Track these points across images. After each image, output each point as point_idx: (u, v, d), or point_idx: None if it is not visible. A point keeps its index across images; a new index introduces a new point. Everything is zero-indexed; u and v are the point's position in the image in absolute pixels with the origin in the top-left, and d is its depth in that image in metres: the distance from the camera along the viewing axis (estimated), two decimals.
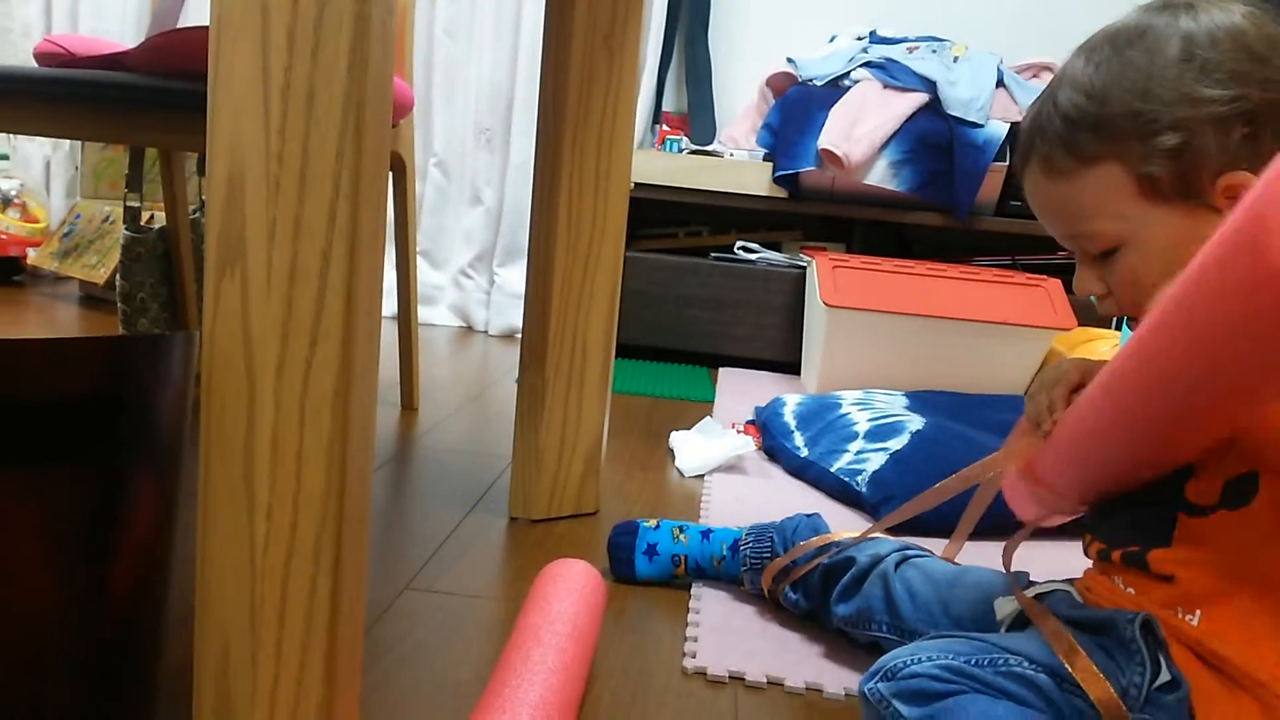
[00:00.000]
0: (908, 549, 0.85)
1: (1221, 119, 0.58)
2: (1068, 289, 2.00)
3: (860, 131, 2.13)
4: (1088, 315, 1.99)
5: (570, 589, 0.76)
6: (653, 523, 0.99)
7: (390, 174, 1.54)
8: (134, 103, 1.13)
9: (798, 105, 2.23)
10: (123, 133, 1.22)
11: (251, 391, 0.41)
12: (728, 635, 0.87)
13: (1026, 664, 0.60)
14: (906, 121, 2.15)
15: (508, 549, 1.06)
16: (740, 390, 2.04)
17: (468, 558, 1.01)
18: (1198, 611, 0.59)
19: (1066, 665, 0.59)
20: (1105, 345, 1.93)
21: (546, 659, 0.63)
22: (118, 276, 1.59)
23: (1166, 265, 0.61)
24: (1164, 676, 0.57)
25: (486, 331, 2.58)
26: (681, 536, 0.98)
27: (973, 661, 0.62)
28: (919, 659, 0.63)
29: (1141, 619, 0.58)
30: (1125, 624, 0.58)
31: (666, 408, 1.84)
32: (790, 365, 2.27)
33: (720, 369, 2.28)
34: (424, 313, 2.65)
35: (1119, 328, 1.94)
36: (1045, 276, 2.01)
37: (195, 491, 0.52)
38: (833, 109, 2.17)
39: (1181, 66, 0.60)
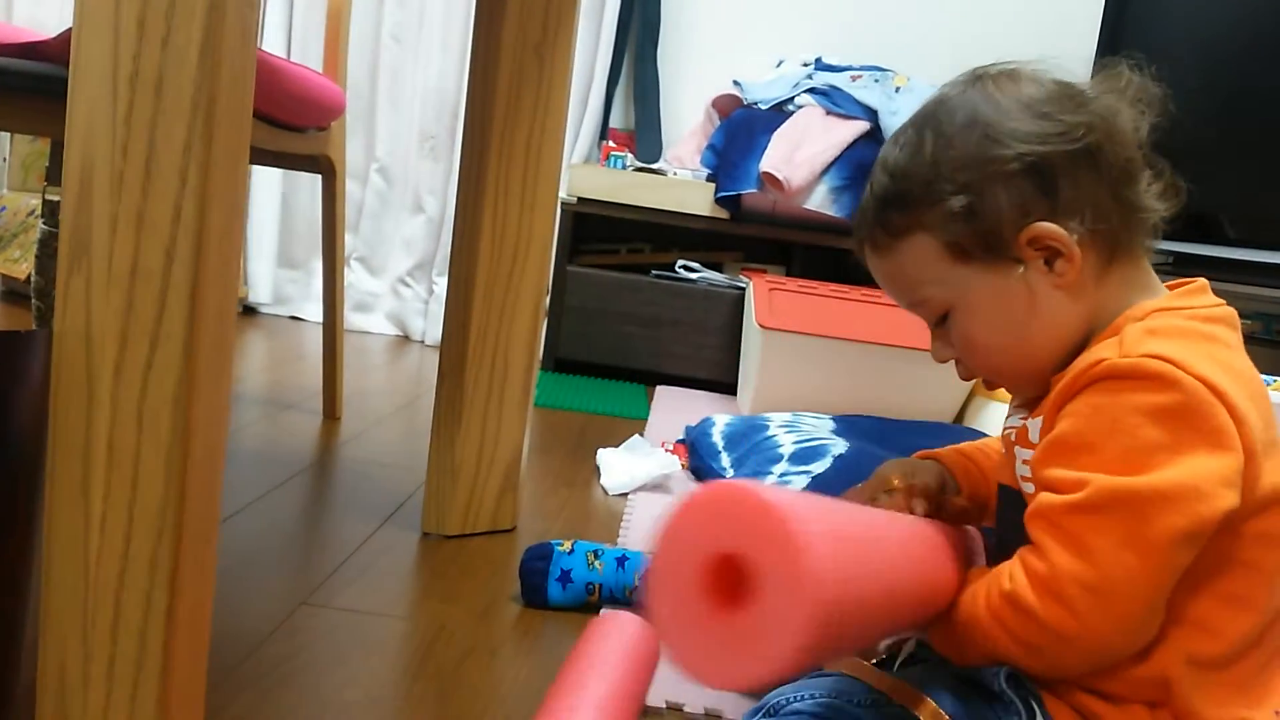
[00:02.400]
0: None
1: (1009, 176, 0.61)
2: None
3: (801, 156, 2.14)
4: None
5: (621, 646, 0.72)
6: (567, 545, 0.96)
7: (320, 176, 1.51)
8: (47, 93, 1.09)
9: (742, 128, 2.24)
10: (35, 124, 1.18)
11: (90, 393, 0.38)
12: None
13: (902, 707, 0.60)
14: (847, 149, 2.17)
15: (416, 565, 1.04)
16: (675, 409, 2.03)
17: (372, 573, 0.98)
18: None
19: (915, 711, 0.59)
20: None
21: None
22: (33, 272, 1.53)
23: (993, 323, 0.64)
24: None
25: (423, 341, 2.54)
26: (597, 563, 0.95)
27: (854, 701, 0.62)
28: (801, 696, 0.63)
29: (1006, 671, 0.58)
30: (992, 676, 0.58)
31: (599, 424, 1.82)
32: (728, 385, 2.27)
33: (657, 387, 2.28)
34: (360, 320, 2.61)
35: None
36: None
37: None
38: (775, 133, 2.18)
39: (966, 133, 0.62)
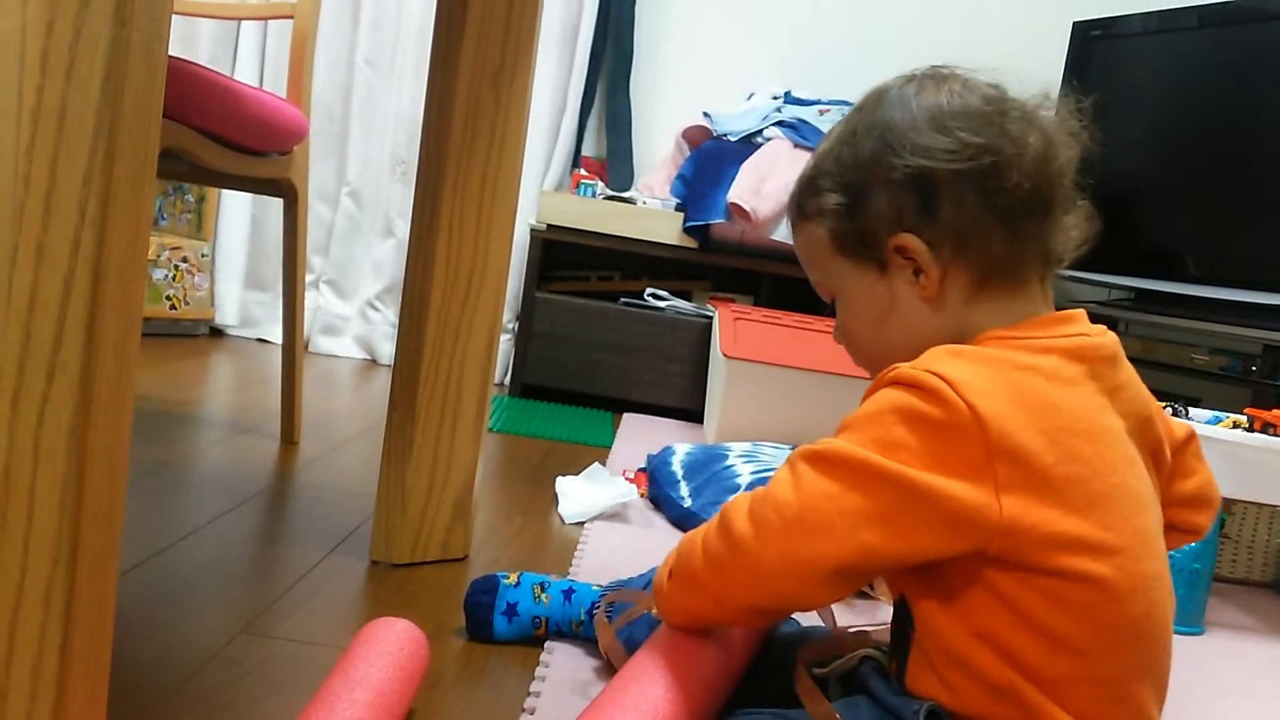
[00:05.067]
0: None
1: (893, 183, 0.63)
2: None
3: (769, 188, 2.17)
4: None
5: (384, 652, 0.73)
6: (513, 578, 0.95)
7: (281, 200, 1.51)
8: None
9: (711, 159, 2.27)
10: None
11: None
12: (573, 692, 0.84)
13: None
14: None
15: (361, 594, 1.03)
16: (640, 437, 2.03)
17: (316, 602, 0.97)
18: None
19: None
20: None
21: None
22: None
23: (860, 316, 0.68)
24: None
25: (390, 365, 2.53)
26: (543, 596, 0.94)
27: None
28: None
29: (927, 709, 0.58)
30: (912, 714, 0.58)
31: (562, 451, 1.82)
32: (695, 414, 2.28)
33: (624, 415, 2.28)
34: (327, 343, 2.60)
35: None
36: None
37: None
38: (744, 164, 2.20)
39: (867, 135, 0.65)
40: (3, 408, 0.38)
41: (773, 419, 1.92)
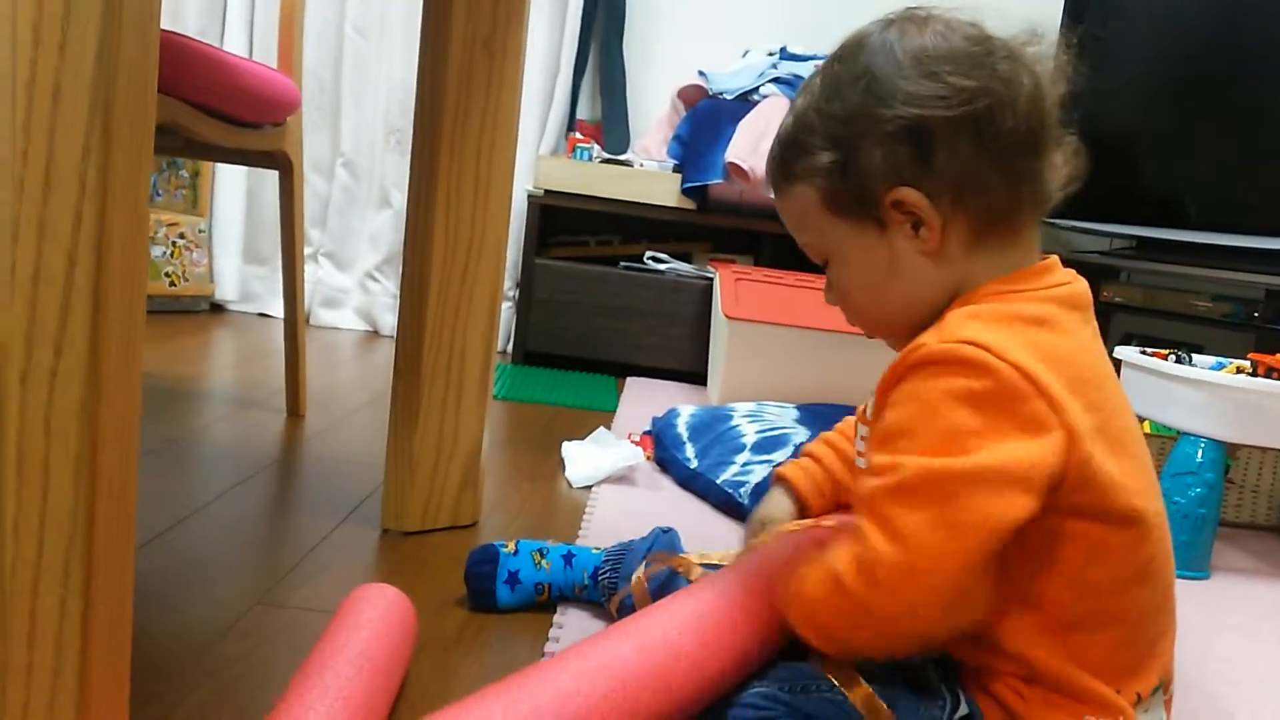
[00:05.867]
0: None
1: (885, 136, 0.60)
2: None
3: (767, 146, 2.14)
4: None
5: (370, 619, 0.73)
6: (511, 546, 0.95)
7: (276, 173, 1.50)
8: None
9: (708, 118, 2.25)
10: None
11: (1, 402, 0.38)
12: None
13: (840, 691, 0.61)
14: None
15: (374, 562, 1.04)
16: (644, 400, 2.03)
17: (329, 571, 0.98)
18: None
19: (845, 693, 0.60)
20: None
21: (325, 698, 0.60)
22: None
23: (859, 277, 0.65)
24: (962, 710, 0.58)
25: (393, 336, 2.53)
26: (544, 562, 0.95)
27: (788, 688, 0.63)
28: (739, 687, 0.63)
29: (936, 657, 0.59)
30: (921, 662, 0.59)
31: (567, 417, 1.83)
32: (698, 376, 2.28)
33: (627, 379, 2.28)
34: (328, 316, 2.60)
35: None
36: None
37: None
38: (741, 123, 2.18)
39: (854, 85, 0.61)
40: (12, 385, 0.38)
41: (776, 379, 1.92)
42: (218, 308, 2.61)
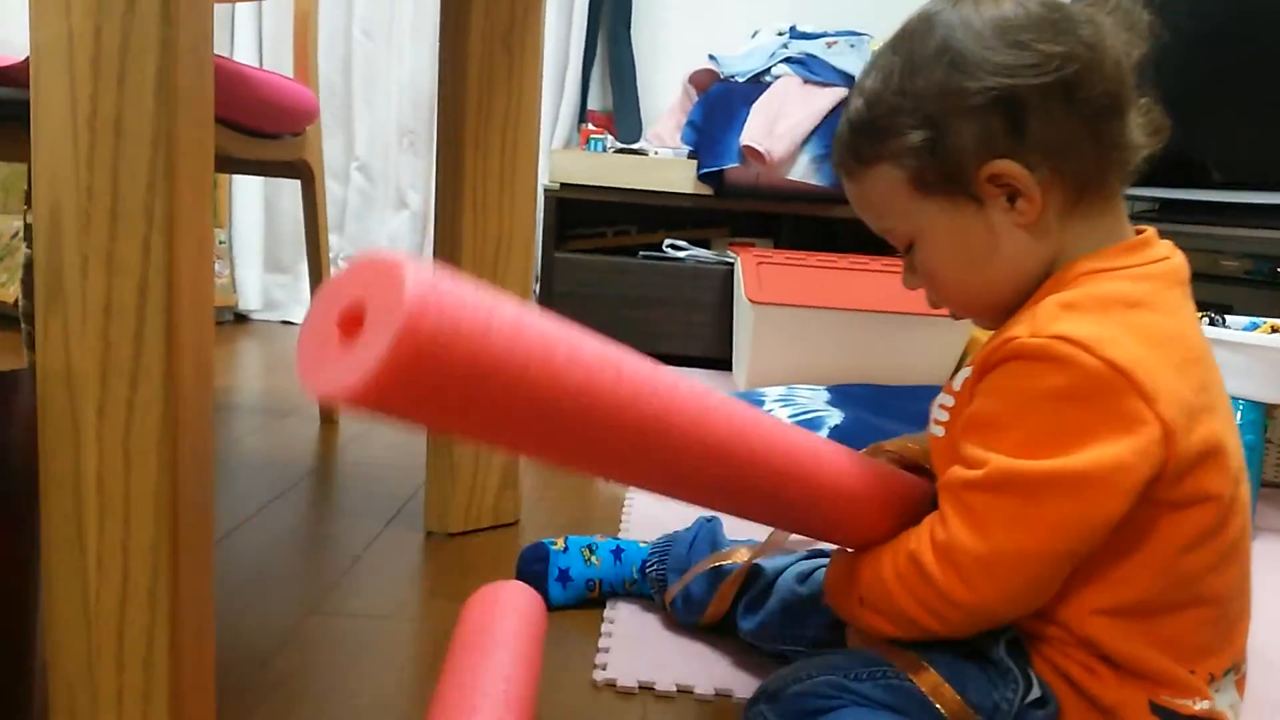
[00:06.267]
0: (819, 556, 0.84)
1: (975, 109, 0.59)
2: None
3: (782, 128, 2.14)
4: None
5: (506, 612, 0.73)
6: (560, 544, 0.96)
7: (298, 181, 1.51)
8: (12, 119, 1.08)
9: (720, 102, 2.23)
10: (6, 148, 1.17)
11: (76, 434, 0.39)
12: (640, 646, 0.86)
13: (902, 675, 0.61)
14: (827, 117, 2.16)
15: (421, 565, 1.04)
16: None
17: (380, 577, 0.99)
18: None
19: (913, 679, 0.60)
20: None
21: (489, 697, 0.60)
22: (19, 295, 1.53)
23: (953, 257, 0.64)
24: (1034, 693, 0.58)
25: None
26: (593, 559, 0.95)
27: (852, 675, 0.63)
28: (800, 678, 0.64)
29: (1009, 636, 0.59)
30: (993, 643, 0.59)
31: None
32: (722, 361, 2.28)
33: None
34: None
35: None
36: None
37: None
38: (754, 105, 2.17)
39: (936, 61, 0.60)
40: (89, 417, 0.38)
41: (803, 361, 1.92)
42: (241, 318, 2.63)
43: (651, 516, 1.21)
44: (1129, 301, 0.57)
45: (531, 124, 1.11)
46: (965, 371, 0.62)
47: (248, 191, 2.56)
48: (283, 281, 2.64)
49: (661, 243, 2.37)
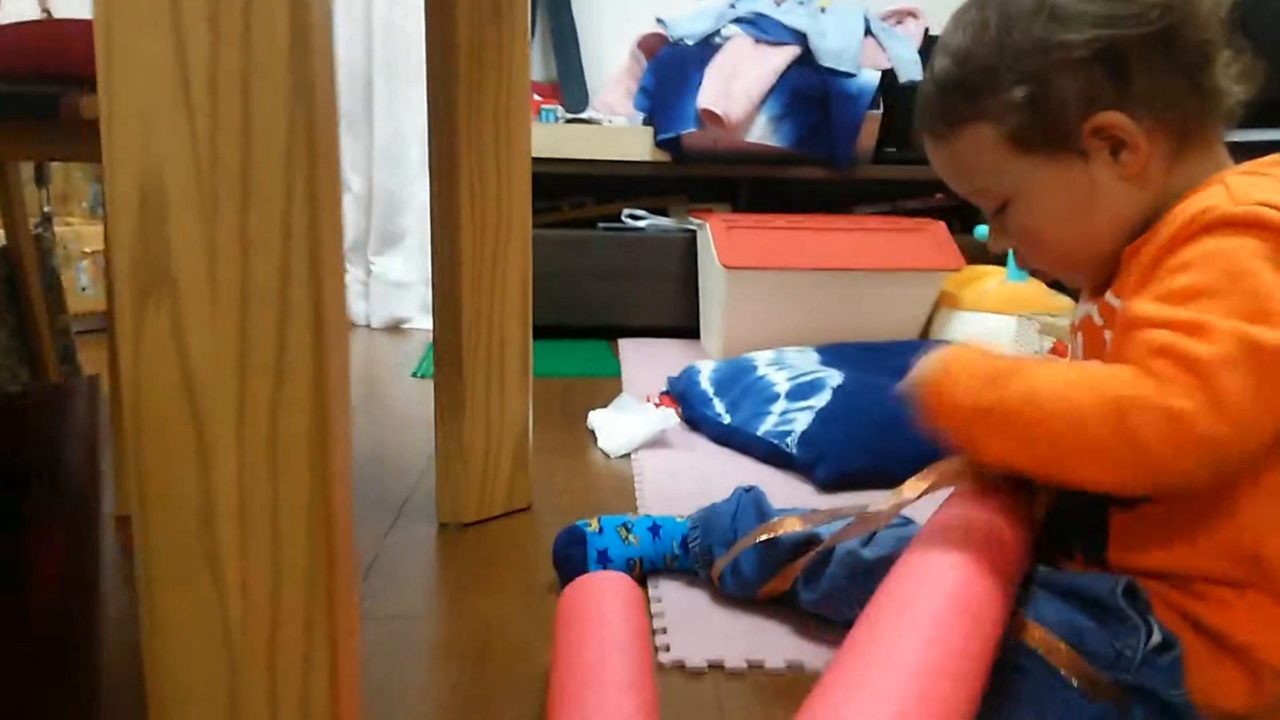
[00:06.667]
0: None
1: (1077, 63, 0.59)
2: (952, 230, 2.04)
3: (737, 89, 2.11)
4: (974, 254, 2.05)
5: (615, 604, 0.70)
6: (595, 525, 0.93)
7: None
8: None
9: (672, 66, 2.19)
10: None
11: (202, 442, 0.34)
12: (696, 624, 0.84)
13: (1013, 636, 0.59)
14: (781, 76, 2.14)
15: (444, 559, 1.00)
16: (645, 361, 2.01)
17: (403, 573, 0.95)
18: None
19: (1021, 638, 0.58)
20: (992, 282, 1.99)
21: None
22: None
23: (1052, 214, 0.63)
24: (1155, 639, 0.56)
25: (369, 325, 2.45)
26: (630, 537, 0.92)
27: None
28: None
29: (1125, 583, 0.58)
30: (1109, 592, 0.57)
31: (576, 387, 1.79)
32: (689, 330, 2.25)
33: (620, 341, 2.25)
34: None
35: (1004, 264, 2.00)
36: (929, 219, 2.05)
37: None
38: (708, 68, 2.14)
39: (1034, 15, 0.60)
40: (222, 424, 0.34)
41: (777, 324, 1.91)
42: None
43: (665, 491, 1.19)
44: None
45: (524, 97, 1.07)
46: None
47: None
48: None
49: (620, 213, 2.33)
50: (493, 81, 1.02)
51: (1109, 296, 0.63)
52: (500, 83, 1.03)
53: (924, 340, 1.88)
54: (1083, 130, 0.60)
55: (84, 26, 1.10)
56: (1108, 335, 0.64)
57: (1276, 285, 0.51)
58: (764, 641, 0.81)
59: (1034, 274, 0.69)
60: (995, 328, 1.87)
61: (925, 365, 0.62)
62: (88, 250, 2.16)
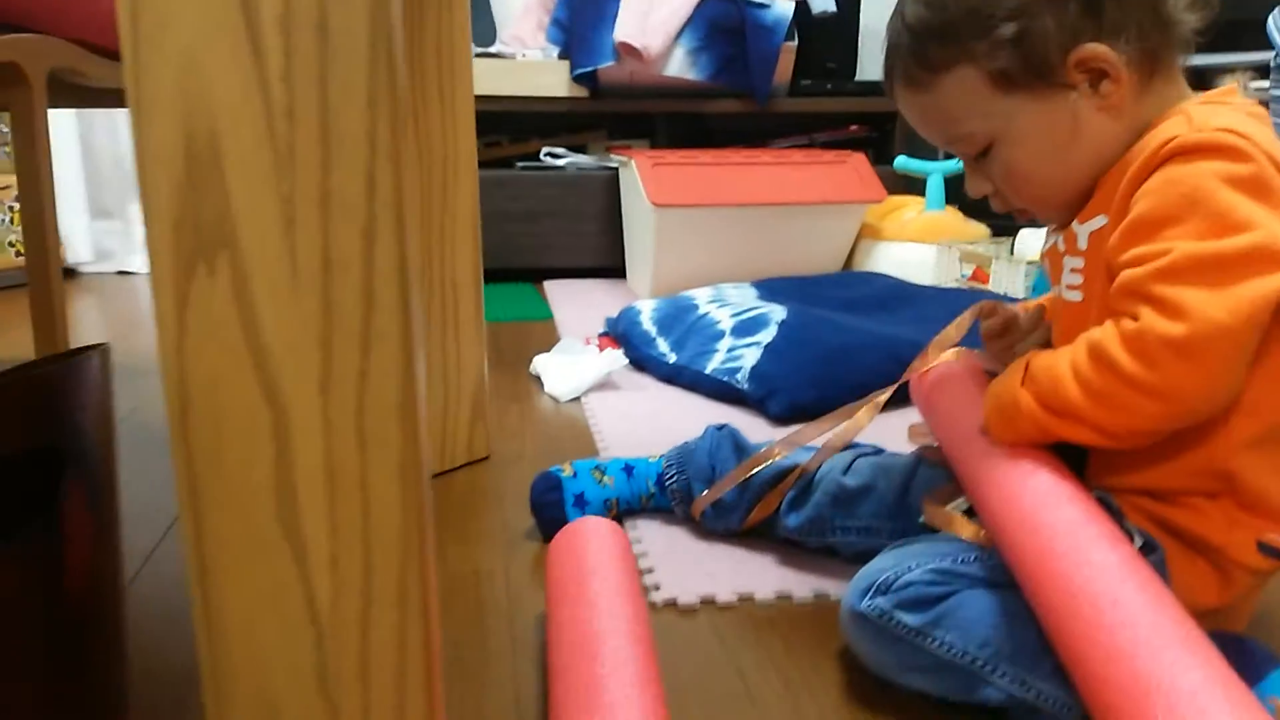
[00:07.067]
0: (859, 449, 0.85)
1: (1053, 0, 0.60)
2: (871, 161, 2.07)
3: (655, 21, 2.07)
4: (894, 183, 2.09)
5: (604, 551, 0.70)
6: (569, 470, 0.92)
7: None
8: None
9: None
10: None
11: (279, 418, 0.32)
12: (681, 562, 0.84)
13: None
14: (697, 7, 2.11)
15: None
16: (573, 302, 1.99)
17: None
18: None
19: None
20: (911, 212, 2.03)
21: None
22: None
23: (1038, 151, 0.64)
24: (1138, 542, 0.59)
25: None
26: (605, 479, 0.92)
27: (959, 560, 0.64)
28: (908, 568, 0.64)
29: (1095, 495, 0.60)
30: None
31: (510, 332, 1.76)
32: (613, 270, 2.24)
33: (545, 283, 2.22)
34: None
35: (923, 194, 2.05)
36: (850, 151, 2.08)
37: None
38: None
39: None
40: (303, 398, 0.31)
41: (706, 262, 1.91)
42: (70, 272, 2.35)
43: (623, 432, 1.19)
44: (1257, 117, 0.59)
45: (465, 28, 1.02)
46: (1095, 223, 0.62)
47: (59, 131, 2.25)
48: (112, 228, 2.37)
49: (538, 152, 2.28)
50: (434, 12, 0.97)
51: (1075, 224, 0.65)
52: (441, 12, 0.98)
53: (860, 274, 1.92)
54: (1067, 63, 0.61)
55: None
56: (1067, 261, 0.66)
57: (1235, 202, 0.54)
58: (750, 574, 0.82)
59: (1017, 214, 0.71)
60: (917, 257, 1.92)
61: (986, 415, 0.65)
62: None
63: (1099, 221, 0.62)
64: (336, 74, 0.29)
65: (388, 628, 0.34)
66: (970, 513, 0.69)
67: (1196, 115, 0.58)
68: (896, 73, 0.67)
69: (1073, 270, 0.65)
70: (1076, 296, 0.65)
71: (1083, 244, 0.64)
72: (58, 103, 1.13)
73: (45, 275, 1.01)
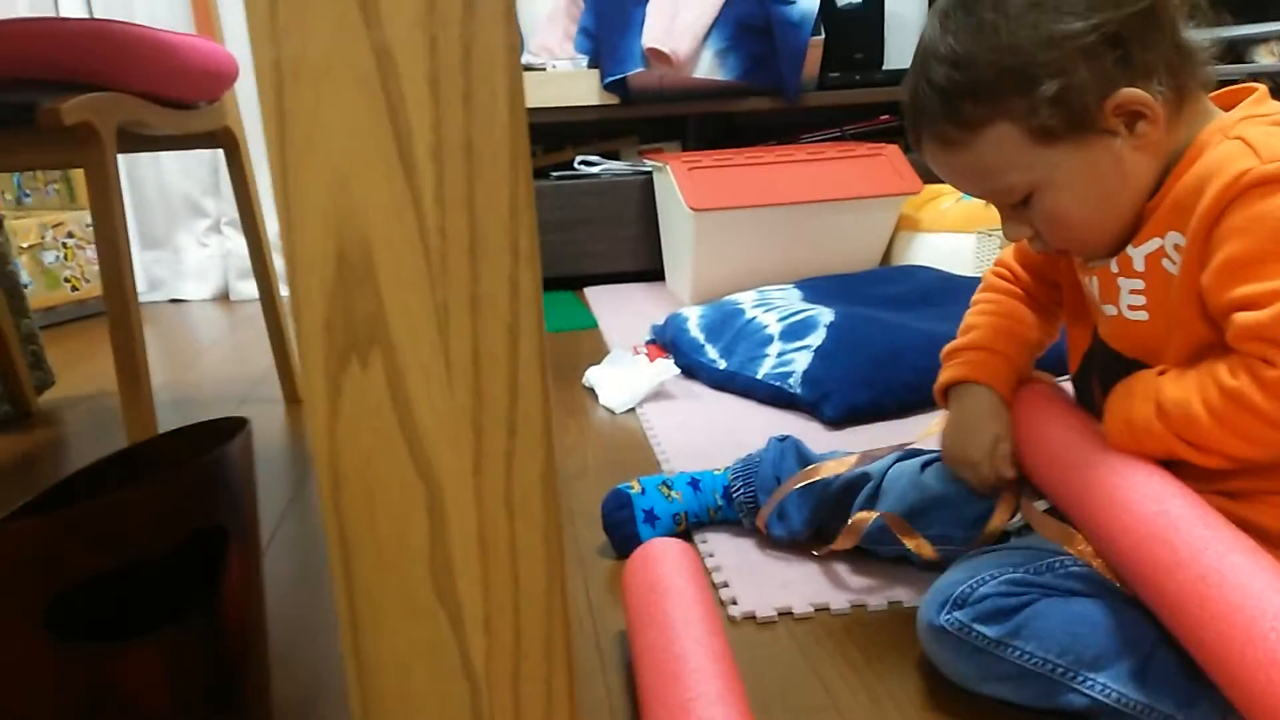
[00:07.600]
0: (914, 454, 0.87)
1: (1089, 49, 0.61)
2: (903, 150, 2.07)
3: (682, 24, 2.09)
4: (930, 174, 2.09)
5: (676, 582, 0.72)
6: (637, 486, 0.95)
7: (223, 152, 1.38)
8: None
9: (612, 5, 2.16)
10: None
11: (434, 494, 0.35)
12: (755, 575, 0.87)
13: (1079, 561, 0.64)
14: (724, 8, 2.13)
15: None
16: (617, 309, 2.02)
17: None
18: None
19: (1089, 562, 0.64)
20: (948, 201, 2.04)
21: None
22: None
23: (1084, 197, 0.65)
24: None
25: None
26: (673, 494, 0.95)
27: (1032, 570, 0.66)
28: (982, 580, 0.66)
29: None
30: None
31: (559, 344, 1.80)
32: (651, 274, 2.27)
33: (585, 290, 2.25)
34: (248, 288, 2.44)
35: None
36: (883, 144, 2.09)
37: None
38: (649, 4, 2.11)
39: (1034, 12, 0.61)
40: (460, 476, 0.35)
41: (746, 263, 1.93)
42: None
43: (683, 443, 1.21)
44: None
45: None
46: (1149, 246, 0.64)
47: None
48: (161, 257, 2.43)
49: (572, 160, 2.31)
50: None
51: (1129, 249, 0.66)
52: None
53: (902, 269, 1.93)
54: (1105, 111, 0.62)
55: (78, 27, 1.04)
56: (1123, 283, 0.68)
57: None
58: (823, 585, 0.85)
59: (1057, 254, 0.72)
60: (957, 246, 1.93)
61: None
62: (24, 245, 2.06)
63: (1154, 244, 0.64)
64: (482, 191, 0.32)
65: (538, 681, 0.37)
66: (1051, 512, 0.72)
67: (1259, 142, 0.59)
68: (927, 134, 0.68)
69: (1132, 292, 0.67)
70: (1142, 316, 0.67)
71: (1139, 266, 0.65)
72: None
73: (125, 316, 1.06)
